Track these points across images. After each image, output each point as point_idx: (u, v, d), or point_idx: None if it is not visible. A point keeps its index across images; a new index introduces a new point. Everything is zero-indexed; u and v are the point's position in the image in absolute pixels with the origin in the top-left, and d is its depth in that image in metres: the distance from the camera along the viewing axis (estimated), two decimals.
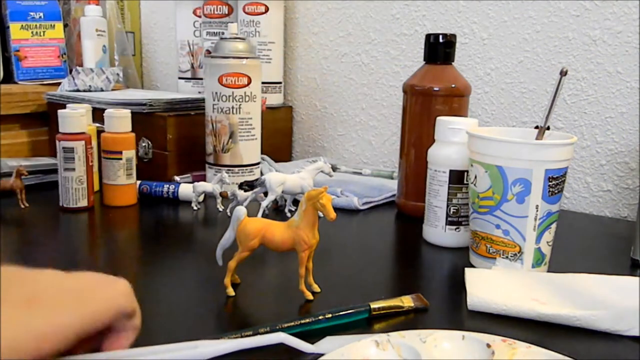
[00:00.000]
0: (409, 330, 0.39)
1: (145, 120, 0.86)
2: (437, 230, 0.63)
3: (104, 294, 0.25)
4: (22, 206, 0.73)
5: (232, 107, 0.80)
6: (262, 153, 0.87)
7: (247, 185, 0.71)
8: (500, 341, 0.38)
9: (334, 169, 0.90)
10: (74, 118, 0.72)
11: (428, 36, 0.73)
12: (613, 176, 0.80)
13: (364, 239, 0.66)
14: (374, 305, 0.45)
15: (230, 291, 0.48)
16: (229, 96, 0.80)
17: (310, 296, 0.47)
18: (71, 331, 0.21)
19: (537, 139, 0.55)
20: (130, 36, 1.34)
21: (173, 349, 0.35)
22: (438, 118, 0.64)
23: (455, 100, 0.71)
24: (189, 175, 0.86)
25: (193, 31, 1.12)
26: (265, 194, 0.70)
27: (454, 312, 0.47)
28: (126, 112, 0.75)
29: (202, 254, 0.59)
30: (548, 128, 0.55)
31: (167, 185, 0.79)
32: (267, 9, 1.02)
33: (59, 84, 1.04)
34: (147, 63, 1.39)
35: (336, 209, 0.57)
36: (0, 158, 0.88)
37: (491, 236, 0.54)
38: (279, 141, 1.08)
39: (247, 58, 0.80)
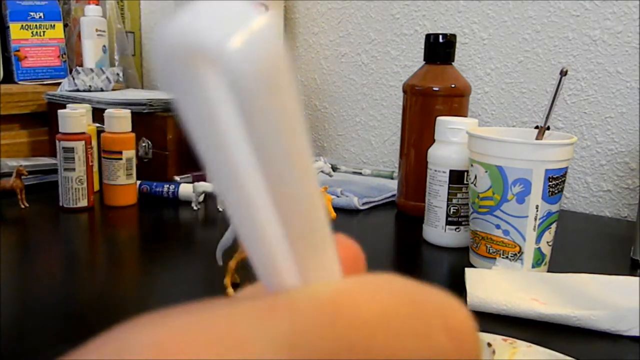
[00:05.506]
0: None
1: (145, 120, 0.86)
2: (437, 230, 0.63)
3: None
4: (22, 206, 0.73)
5: None
6: None
7: None
8: (501, 340, 0.38)
9: (334, 169, 0.90)
10: (74, 118, 0.72)
11: (428, 36, 0.73)
12: (613, 176, 0.80)
13: (364, 239, 0.66)
14: None
15: (231, 291, 0.48)
16: None
17: None
18: None
19: (537, 139, 0.55)
20: (130, 36, 1.34)
21: None
22: (438, 118, 0.64)
23: (455, 100, 0.71)
24: (189, 175, 0.86)
25: None
26: None
27: None
28: (126, 112, 0.75)
29: (202, 254, 0.59)
30: (548, 128, 0.55)
31: (167, 185, 0.79)
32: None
33: (59, 84, 1.04)
34: (147, 63, 1.39)
35: (336, 209, 0.57)
36: (0, 158, 0.88)
37: (491, 236, 0.54)
38: None
39: None
